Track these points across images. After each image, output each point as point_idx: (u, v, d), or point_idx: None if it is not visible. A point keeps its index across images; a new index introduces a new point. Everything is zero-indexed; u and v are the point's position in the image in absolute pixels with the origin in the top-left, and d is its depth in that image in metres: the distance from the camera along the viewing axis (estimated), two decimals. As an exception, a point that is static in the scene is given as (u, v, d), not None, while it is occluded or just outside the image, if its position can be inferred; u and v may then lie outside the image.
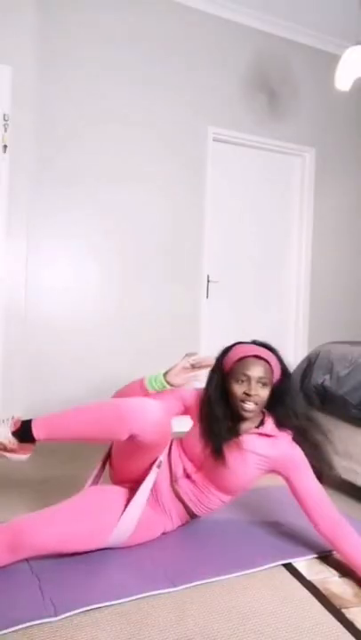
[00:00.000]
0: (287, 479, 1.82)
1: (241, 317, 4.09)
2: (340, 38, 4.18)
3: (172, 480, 1.85)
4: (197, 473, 1.85)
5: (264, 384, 1.76)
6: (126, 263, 3.61)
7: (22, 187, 3.04)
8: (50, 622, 1.38)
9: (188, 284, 3.81)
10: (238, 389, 1.76)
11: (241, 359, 1.78)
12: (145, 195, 3.65)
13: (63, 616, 1.41)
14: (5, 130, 2.97)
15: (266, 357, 1.79)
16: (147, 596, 1.52)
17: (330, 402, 2.53)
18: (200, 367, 1.91)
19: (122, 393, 1.92)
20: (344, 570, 1.73)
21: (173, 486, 1.85)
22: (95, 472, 1.96)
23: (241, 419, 1.80)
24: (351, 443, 2.43)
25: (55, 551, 1.63)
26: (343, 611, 1.51)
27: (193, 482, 1.84)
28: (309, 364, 2.76)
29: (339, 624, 1.44)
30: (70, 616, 1.41)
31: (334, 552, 1.81)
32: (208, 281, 3.92)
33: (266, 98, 4.06)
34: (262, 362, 1.77)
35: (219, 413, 1.79)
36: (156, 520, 1.84)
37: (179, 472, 1.85)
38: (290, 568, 1.74)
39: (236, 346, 1.84)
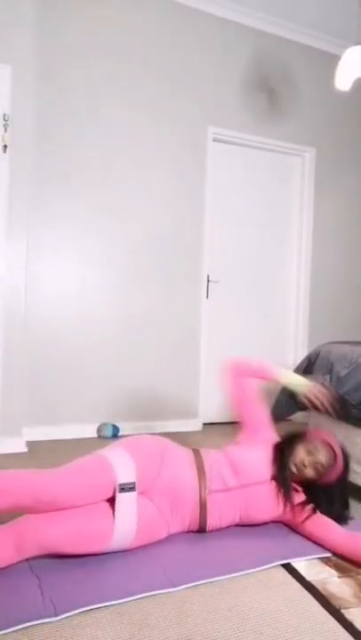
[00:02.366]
0: (297, 523, 1.96)
1: (241, 317, 4.10)
2: (340, 38, 4.19)
3: (203, 490, 1.87)
4: (238, 488, 1.91)
5: (317, 470, 1.96)
6: (126, 263, 3.61)
7: (22, 187, 3.04)
8: (50, 622, 1.39)
9: (188, 283, 3.81)
10: (302, 455, 1.98)
11: (321, 439, 2.01)
12: (145, 195, 3.66)
13: (63, 616, 1.41)
14: (5, 130, 2.97)
15: (338, 455, 1.98)
16: (147, 596, 1.53)
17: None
18: (316, 403, 2.15)
19: (240, 369, 2.17)
20: (344, 570, 1.73)
21: (202, 496, 1.87)
22: None
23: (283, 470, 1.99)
24: (351, 443, 2.43)
25: (60, 550, 1.63)
26: (343, 611, 1.51)
27: (229, 495, 1.91)
28: (309, 363, 2.76)
29: (338, 624, 1.44)
30: (70, 616, 1.42)
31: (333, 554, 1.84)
32: (208, 281, 3.92)
33: (266, 98, 4.07)
34: (333, 456, 1.97)
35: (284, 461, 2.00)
36: (161, 523, 1.84)
37: (217, 486, 1.90)
38: (289, 568, 1.74)
39: (328, 430, 2.19)
